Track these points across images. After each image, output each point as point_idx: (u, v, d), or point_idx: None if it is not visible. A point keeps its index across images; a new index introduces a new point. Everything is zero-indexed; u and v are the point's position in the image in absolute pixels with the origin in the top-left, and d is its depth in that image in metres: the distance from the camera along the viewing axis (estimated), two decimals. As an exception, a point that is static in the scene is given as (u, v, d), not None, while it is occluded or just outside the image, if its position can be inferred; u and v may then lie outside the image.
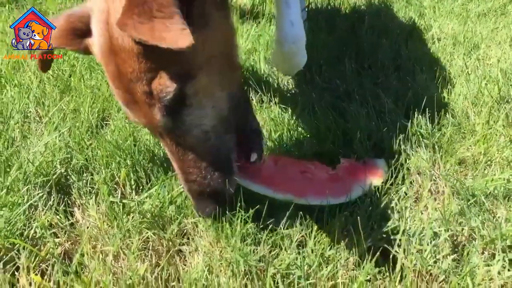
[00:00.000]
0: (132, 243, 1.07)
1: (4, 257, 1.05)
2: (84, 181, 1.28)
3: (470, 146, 1.49)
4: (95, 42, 1.01)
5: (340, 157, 1.36)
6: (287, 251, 1.04)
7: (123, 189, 1.27)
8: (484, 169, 1.35)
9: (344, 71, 1.91)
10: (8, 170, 1.25)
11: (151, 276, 0.98)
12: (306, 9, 2.37)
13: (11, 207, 1.14)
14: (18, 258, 1.04)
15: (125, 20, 0.83)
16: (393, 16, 2.50)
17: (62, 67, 1.81)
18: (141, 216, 1.14)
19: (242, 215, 1.07)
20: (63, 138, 1.39)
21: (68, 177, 1.29)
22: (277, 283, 0.97)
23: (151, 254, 1.08)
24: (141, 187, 1.29)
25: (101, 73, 1.79)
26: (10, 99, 1.57)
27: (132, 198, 1.22)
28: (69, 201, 1.23)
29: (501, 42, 2.23)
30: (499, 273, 0.98)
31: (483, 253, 1.06)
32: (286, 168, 1.28)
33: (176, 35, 0.80)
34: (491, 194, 1.22)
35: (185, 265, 1.07)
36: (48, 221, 1.13)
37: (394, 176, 1.27)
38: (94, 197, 1.22)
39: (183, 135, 1.01)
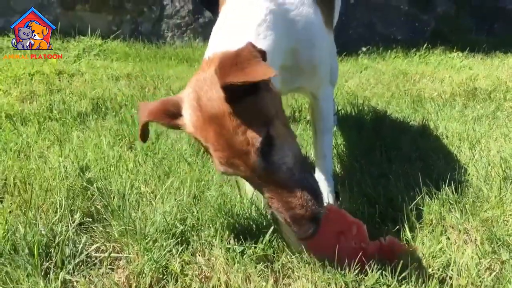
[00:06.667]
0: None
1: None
2: (199, 235, 1.66)
3: (487, 210, 1.90)
4: (188, 121, 1.35)
5: (389, 236, 1.60)
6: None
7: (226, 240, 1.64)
8: (503, 226, 1.75)
9: (376, 159, 2.39)
10: (139, 228, 1.64)
11: None
12: (336, 115, 2.92)
13: (152, 251, 1.52)
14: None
15: (224, 76, 1.18)
16: (404, 119, 3.07)
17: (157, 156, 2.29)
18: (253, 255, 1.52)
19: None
20: (177, 205, 1.79)
21: (186, 232, 1.67)
22: None
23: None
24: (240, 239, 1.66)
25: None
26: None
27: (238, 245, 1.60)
28: (191, 248, 1.60)
29: (497, 138, 2.75)
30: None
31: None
32: (326, 225, 1.44)
33: (264, 69, 1.15)
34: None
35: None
36: (183, 261, 1.51)
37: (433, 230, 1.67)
38: (209, 245, 1.60)
39: (274, 173, 1.30)
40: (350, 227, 1.52)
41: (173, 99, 1.42)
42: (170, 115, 1.41)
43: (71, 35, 5.23)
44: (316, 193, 1.35)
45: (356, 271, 1.40)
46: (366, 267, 1.43)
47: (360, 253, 1.46)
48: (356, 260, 1.43)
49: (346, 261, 1.43)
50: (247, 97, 1.26)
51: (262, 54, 1.24)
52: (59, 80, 3.80)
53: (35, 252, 1.46)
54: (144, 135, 1.50)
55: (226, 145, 1.28)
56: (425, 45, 6.21)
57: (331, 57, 2.01)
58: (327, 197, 1.88)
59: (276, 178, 1.31)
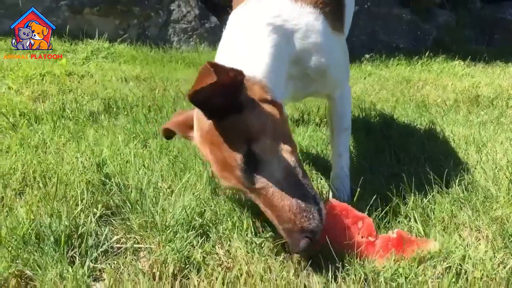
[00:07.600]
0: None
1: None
2: (217, 228, 1.70)
3: (497, 209, 1.95)
4: (195, 135, 1.52)
5: (397, 229, 1.64)
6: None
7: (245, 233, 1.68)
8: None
9: (385, 160, 2.44)
10: (159, 221, 1.68)
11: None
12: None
13: (174, 242, 1.56)
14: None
15: (189, 92, 1.28)
16: (410, 123, 3.12)
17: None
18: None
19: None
20: (195, 199, 1.84)
21: (205, 225, 1.71)
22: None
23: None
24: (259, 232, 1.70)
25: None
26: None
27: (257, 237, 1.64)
28: (212, 241, 1.64)
29: (502, 142, 2.81)
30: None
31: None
32: (334, 219, 1.53)
33: (203, 79, 1.23)
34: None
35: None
36: (205, 252, 1.55)
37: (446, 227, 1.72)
38: (227, 238, 1.64)
39: (263, 187, 1.37)
40: (356, 221, 1.56)
41: (192, 114, 1.57)
42: (189, 127, 1.60)
43: (79, 38, 5.28)
44: (309, 208, 1.37)
45: (375, 262, 1.45)
46: (384, 258, 1.48)
47: (369, 246, 1.50)
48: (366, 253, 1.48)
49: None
50: (231, 115, 1.36)
51: (231, 73, 1.31)
52: (70, 81, 3.85)
53: (62, 240, 1.49)
54: (165, 136, 1.85)
55: (217, 160, 1.40)
56: (427, 53, 6.30)
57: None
58: (343, 195, 1.92)
59: (264, 192, 1.37)
